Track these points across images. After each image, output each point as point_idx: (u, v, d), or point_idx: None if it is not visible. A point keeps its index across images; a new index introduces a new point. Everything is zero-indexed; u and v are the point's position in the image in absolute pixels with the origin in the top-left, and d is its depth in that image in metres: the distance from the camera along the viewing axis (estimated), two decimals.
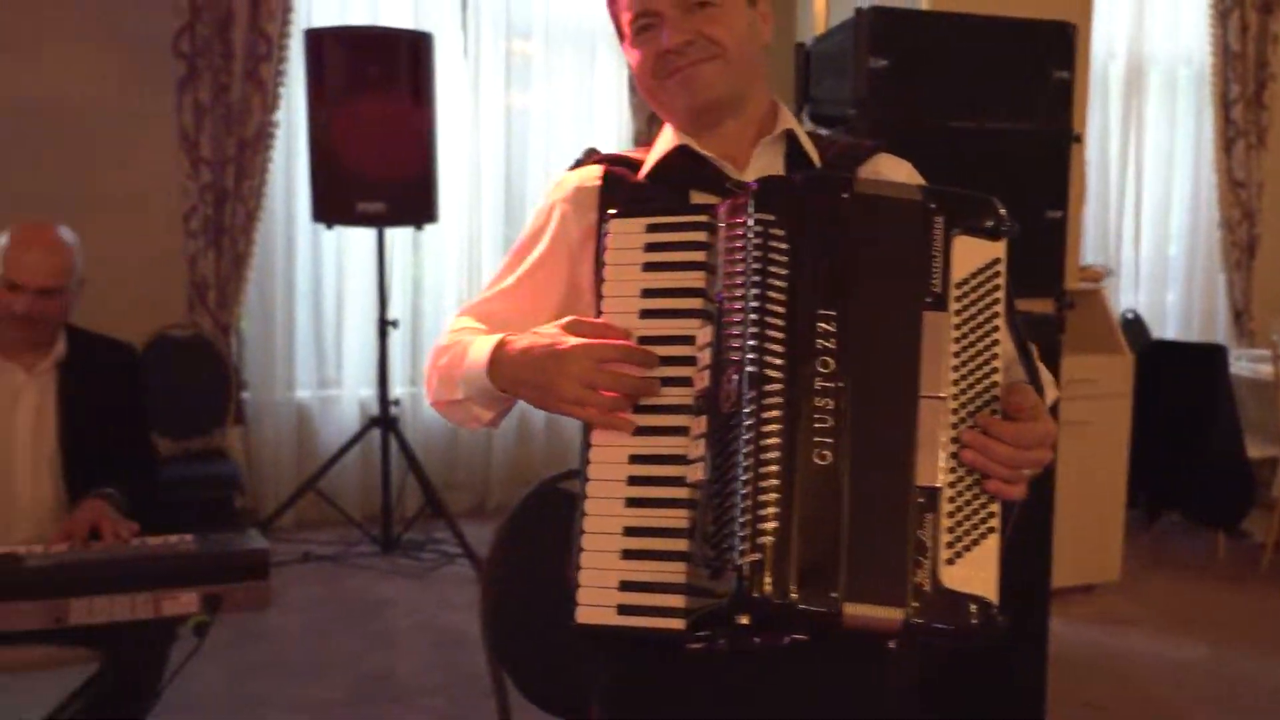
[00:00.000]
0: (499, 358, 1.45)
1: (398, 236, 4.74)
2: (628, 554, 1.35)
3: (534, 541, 1.94)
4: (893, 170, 1.62)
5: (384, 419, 4.55)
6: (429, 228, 4.69)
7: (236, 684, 3.28)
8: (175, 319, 4.60)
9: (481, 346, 1.50)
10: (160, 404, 2.81)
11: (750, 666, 1.37)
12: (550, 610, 1.72)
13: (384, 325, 4.50)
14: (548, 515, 1.90)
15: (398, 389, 4.72)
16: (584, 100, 5.21)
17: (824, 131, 2.68)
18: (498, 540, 1.97)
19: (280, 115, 4.64)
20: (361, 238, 4.86)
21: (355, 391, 4.99)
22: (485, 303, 1.69)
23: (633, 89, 5.10)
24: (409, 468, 4.73)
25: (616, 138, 5.26)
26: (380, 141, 4.15)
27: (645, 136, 5.12)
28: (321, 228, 4.79)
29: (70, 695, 2.25)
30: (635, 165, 1.62)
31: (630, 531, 1.35)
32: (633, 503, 1.36)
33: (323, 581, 4.25)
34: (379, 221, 4.26)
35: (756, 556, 1.21)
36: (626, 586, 1.34)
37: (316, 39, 4.18)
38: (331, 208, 4.25)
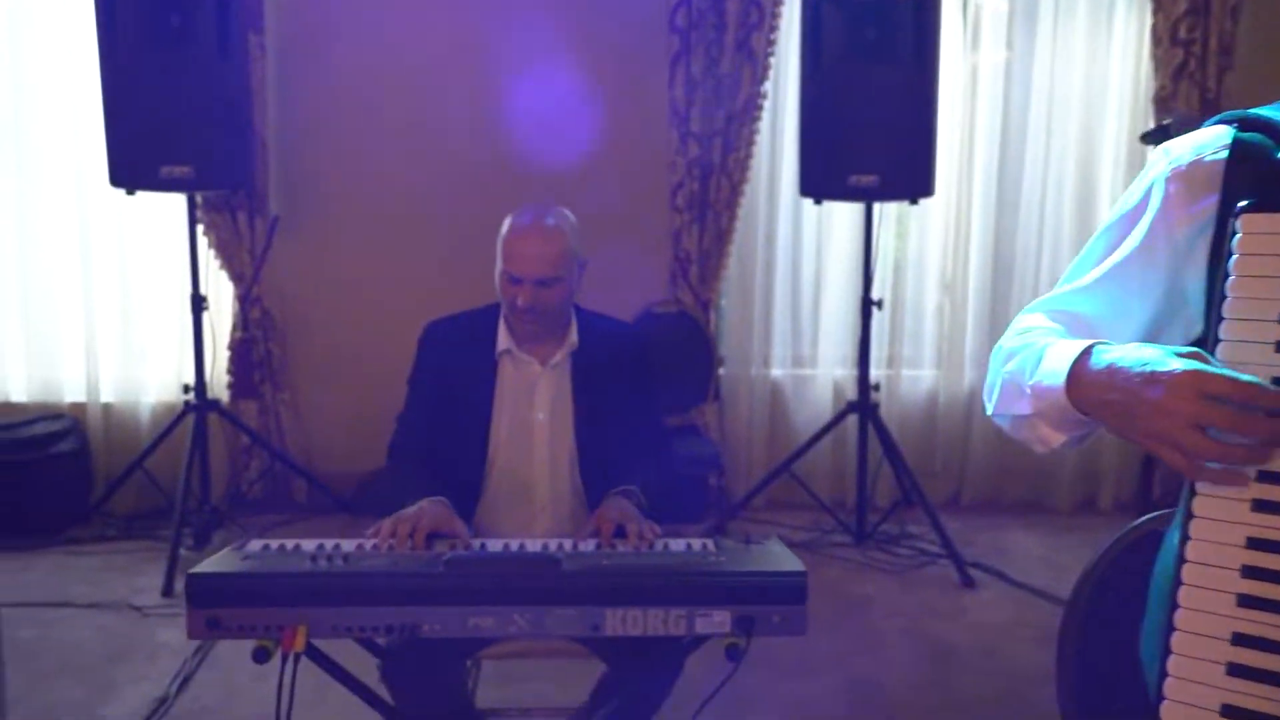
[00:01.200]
0: (1081, 371, 1.18)
1: (881, 211, 4.45)
2: (1235, 670, 1.05)
3: (1126, 599, 1.60)
4: None
5: (863, 405, 4.31)
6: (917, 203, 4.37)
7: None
8: (658, 294, 4.63)
9: (1061, 354, 1.22)
10: None
11: None
12: (1135, 685, 1.40)
13: (867, 305, 4.26)
14: (1144, 567, 1.56)
15: (874, 371, 4.45)
16: (1097, 56, 4.63)
17: None
18: (1079, 589, 1.64)
19: (767, 86, 4.51)
20: (844, 212, 4.64)
21: (830, 371, 4.80)
22: (1060, 298, 1.41)
23: (1156, 39, 4.46)
24: (884, 455, 4.47)
25: (1133, 99, 4.64)
26: (877, 110, 3.89)
27: (1169, 92, 4.47)
28: (803, 201, 4.64)
29: (594, 693, 2.23)
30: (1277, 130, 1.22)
31: (1242, 640, 1.05)
32: (1248, 602, 1.05)
33: None
34: (870, 195, 4.01)
35: None
36: (1230, 713, 1.04)
37: (814, 5, 3.98)
38: (821, 181, 4.05)
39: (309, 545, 2.01)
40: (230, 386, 4.62)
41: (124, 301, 4.66)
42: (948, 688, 3.20)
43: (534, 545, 2.06)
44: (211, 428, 4.45)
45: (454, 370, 2.38)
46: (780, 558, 1.93)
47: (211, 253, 4.54)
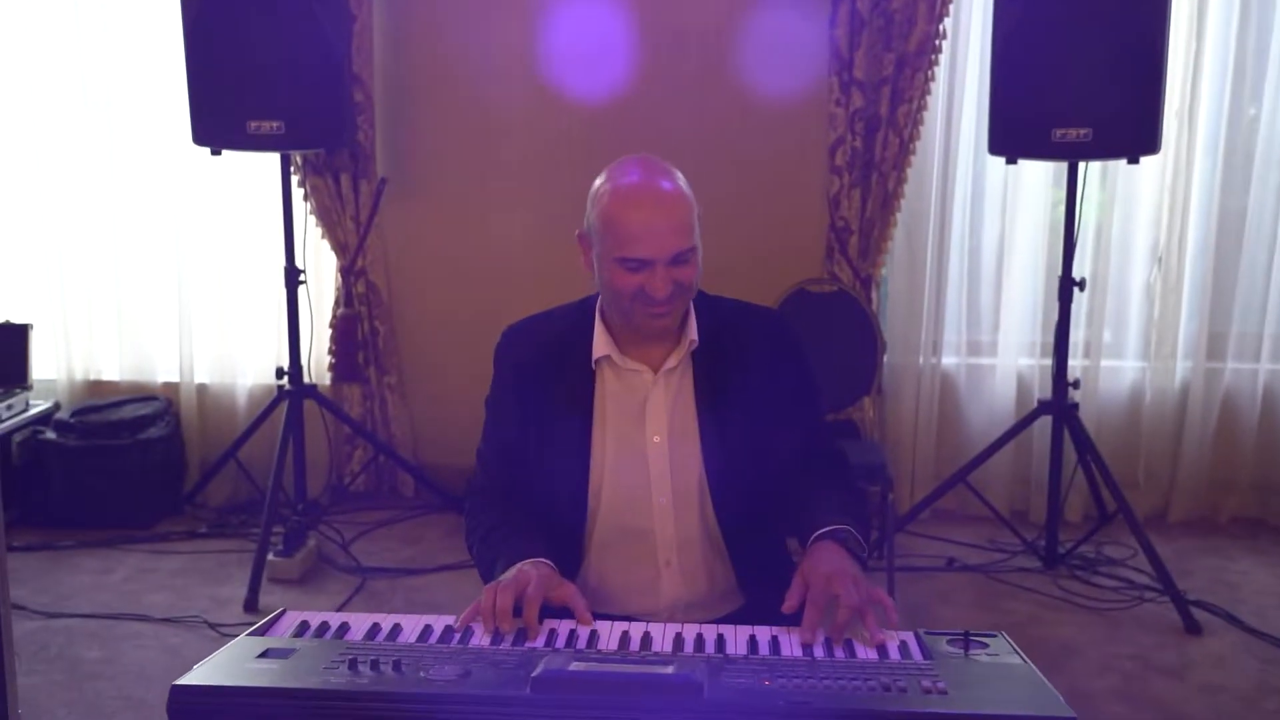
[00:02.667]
0: None
1: (1085, 170, 3.70)
2: None
3: None
4: None
5: (1059, 404, 3.60)
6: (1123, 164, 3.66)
7: None
8: (811, 271, 3.99)
9: None
10: None
11: None
12: None
13: (1067, 285, 3.54)
14: None
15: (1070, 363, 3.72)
16: None
17: None
18: None
19: (946, 24, 3.80)
20: (1035, 172, 3.92)
21: (1013, 361, 4.09)
22: None
23: None
24: (1079, 464, 3.77)
25: None
26: (1092, 48, 3.16)
27: None
28: (986, 160, 3.94)
29: None
30: None
31: None
32: None
33: (977, 604, 3.44)
34: (1080, 152, 3.28)
35: None
36: None
37: None
38: (1017, 136, 3.34)
39: (359, 627, 1.49)
40: (332, 368, 4.17)
41: (220, 274, 4.25)
42: None
43: (663, 633, 1.49)
44: (312, 413, 4.01)
45: (538, 387, 1.82)
46: (1028, 687, 1.30)
47: (312, 220, 4.09)
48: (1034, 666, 1.38)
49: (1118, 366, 4.11)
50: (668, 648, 1.45)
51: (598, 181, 1.76)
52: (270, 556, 3.54)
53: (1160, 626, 3.27)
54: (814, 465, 1.85)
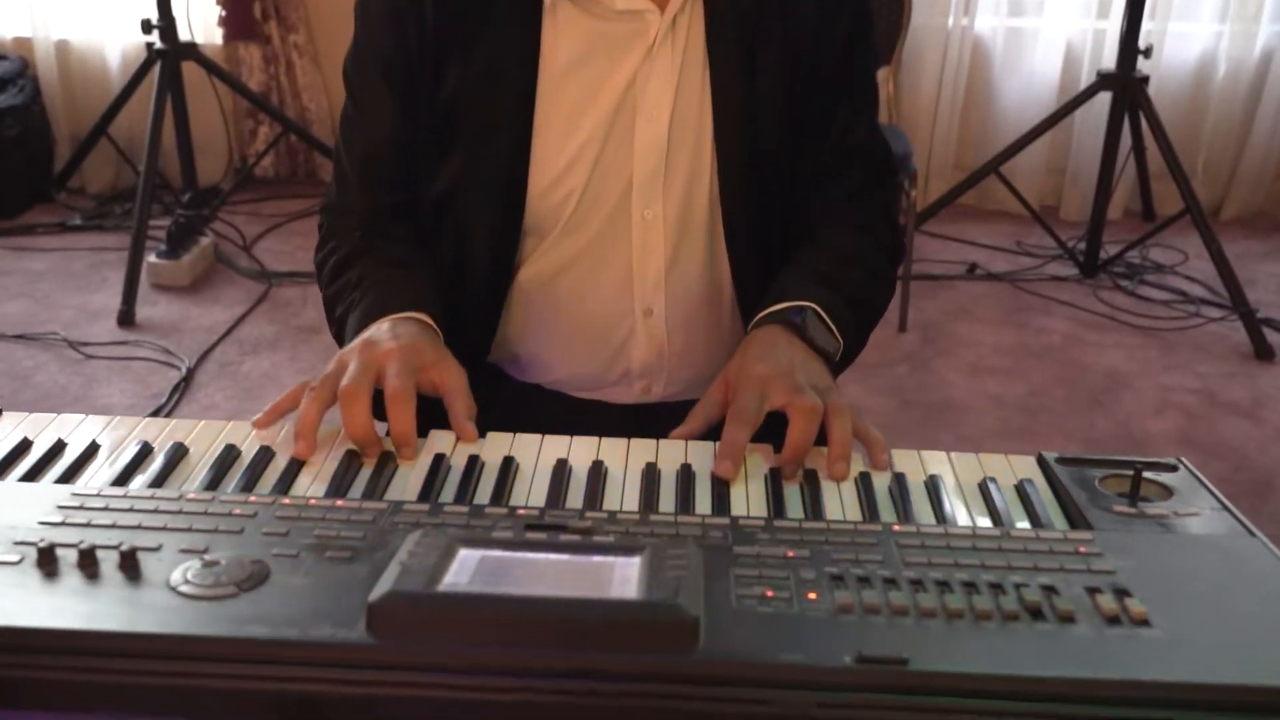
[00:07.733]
0: None
1: None
2: None
3: None
4: None
5: (1124, 77, 2.91)
6: None
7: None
8: None
9: None
10: None
11: None
12: None
13: None
14: None
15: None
16: None
17: None
18: None
19: None
20: None
21: (1062, 24, 3.35)
22: None
23: None
24: (1133, 150, 3.14)
25: None
26: None
27: None
28: None
29: None
30: None
31: None
32: None
33: (1003, 321, 2.89)
34: None
35: None
36: None
37: None
38: None
39: (112, 456, 0.88)
40: (222, 23, 3.37)
41: None
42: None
43: (626, 465, 0.90)
44: (204, 84, 3.27)
45: (446, 33, 1.11)
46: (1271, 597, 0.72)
47: None
48: (1262, 536, 0.80)
49: (1187, 31, 3.38)
50: (632, 504, 0.85)
51: None
52: (152, 258, 2.91)
53: (1224, 351, 2.75)
54: (838, 177, 1.19)
